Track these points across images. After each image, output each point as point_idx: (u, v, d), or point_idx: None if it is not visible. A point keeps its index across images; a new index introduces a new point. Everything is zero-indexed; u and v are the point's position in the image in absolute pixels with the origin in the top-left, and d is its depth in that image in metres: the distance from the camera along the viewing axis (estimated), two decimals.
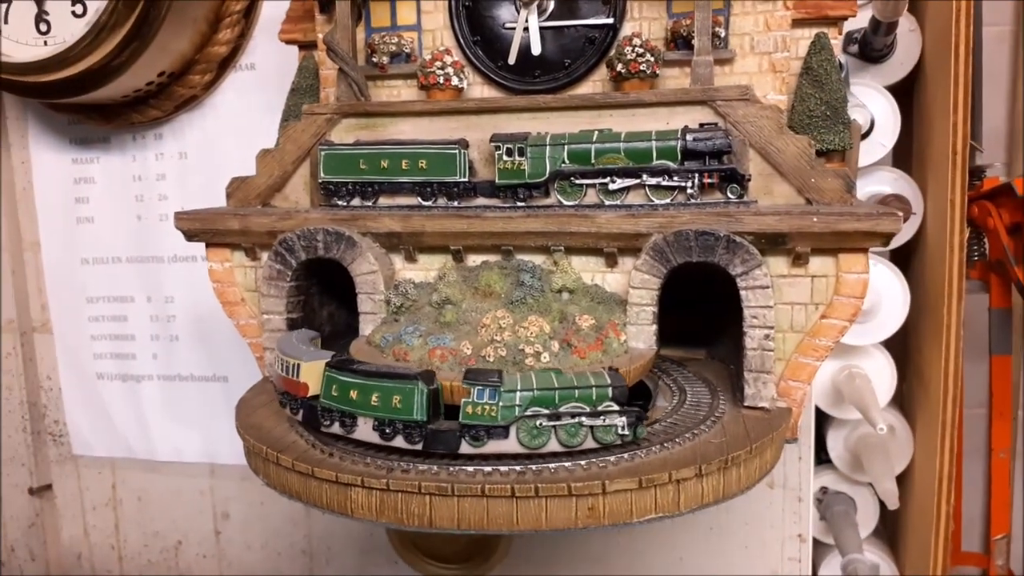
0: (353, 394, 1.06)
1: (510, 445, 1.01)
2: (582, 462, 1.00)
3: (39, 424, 2.39)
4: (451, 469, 1.00)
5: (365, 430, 1.05)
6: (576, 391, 1.02)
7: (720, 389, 1.26)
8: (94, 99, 1.93)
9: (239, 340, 1.97)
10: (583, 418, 1.02)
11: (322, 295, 1.45)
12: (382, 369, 1.07)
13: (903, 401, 1.99)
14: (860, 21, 1.71)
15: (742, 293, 1.14)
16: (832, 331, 1.17)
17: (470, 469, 0.99)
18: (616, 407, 1.03)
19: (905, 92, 1.88)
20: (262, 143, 1.47)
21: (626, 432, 1.03)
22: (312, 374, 1.12)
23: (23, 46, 1.85)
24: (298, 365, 1.13)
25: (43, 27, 1.84)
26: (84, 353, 2.29)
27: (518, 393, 1.01)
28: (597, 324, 1.17)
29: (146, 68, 1.85)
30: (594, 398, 1.02)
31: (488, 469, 0.99)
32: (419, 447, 1.03)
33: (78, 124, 2.15)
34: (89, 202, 2.19)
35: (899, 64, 1.84)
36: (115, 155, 2.15)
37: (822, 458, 1.95)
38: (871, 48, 1.78)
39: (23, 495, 2.42)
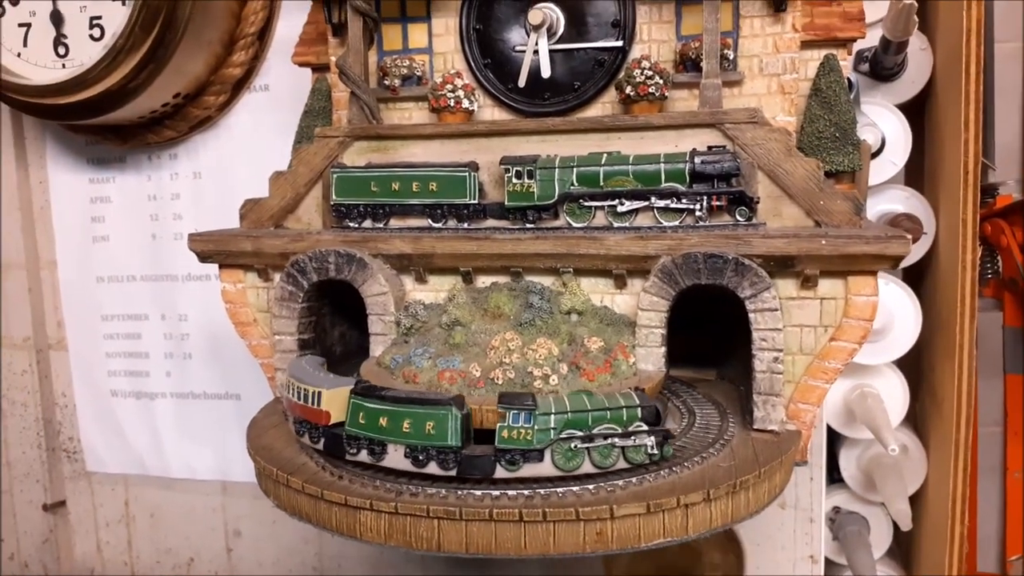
0: (383, 421, 1.04)
1: (545, 468, 1.02)
2: (590, 486, 1.00)
3: (54, 441, 2.41)
4: (459, 493, 1.00)
5: (396, 457, 1.04)
6: (608, 412, 1.03)
7: (730, 411, 1.26)
8: (111, 120, 1.96)
9: (252, 359, 1.98)
10: (615, 439, 1.03)
11: (334, 316, 1.46)
12: (412, 395, 1.06)
13: (916, 420, 1.97)
14: (871, 40, 1.71)
15: (751, 316, 1.14)
16: (842, 353, 1.17)
17: (478, 493, 1.00)
18: (645, 427, 1.04)
19: (917, 110, 1.87)
20: (275, 164, 1.48)
21: (655, 451, 1.04)
22: (335, 401, 1.10)
23: (42, 69, 1.88)
24: (319, 393, 1.11)
25: (61, 50, 1.87)
26: (99, 370, 2.31)
27: (553, 416, 1.01)
28: (606, 346, 1.17)
29: (162, 90, 1.87)
30: (625, 419, 1.03)
31: (496, 493, 1.00)
32: (453, 473, 1.02)
33: (95, 144, 2.18)
34: (105, 221, 2.22)
35: (910, 82, 1.83)
36: (131, 175, 2.18)
37: (835, 478, 1.94)
38: (882, 67, 1.77)
39: (37, 511, 2.44)
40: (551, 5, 1.36)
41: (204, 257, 1.42)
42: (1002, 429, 2.11)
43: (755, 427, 1.17)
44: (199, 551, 2.36)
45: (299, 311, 1.34)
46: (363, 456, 1.06)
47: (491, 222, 1.30)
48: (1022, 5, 2.11)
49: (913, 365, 1.92)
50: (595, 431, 1.02)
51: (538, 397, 1.04)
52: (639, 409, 1.04)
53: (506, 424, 1.01)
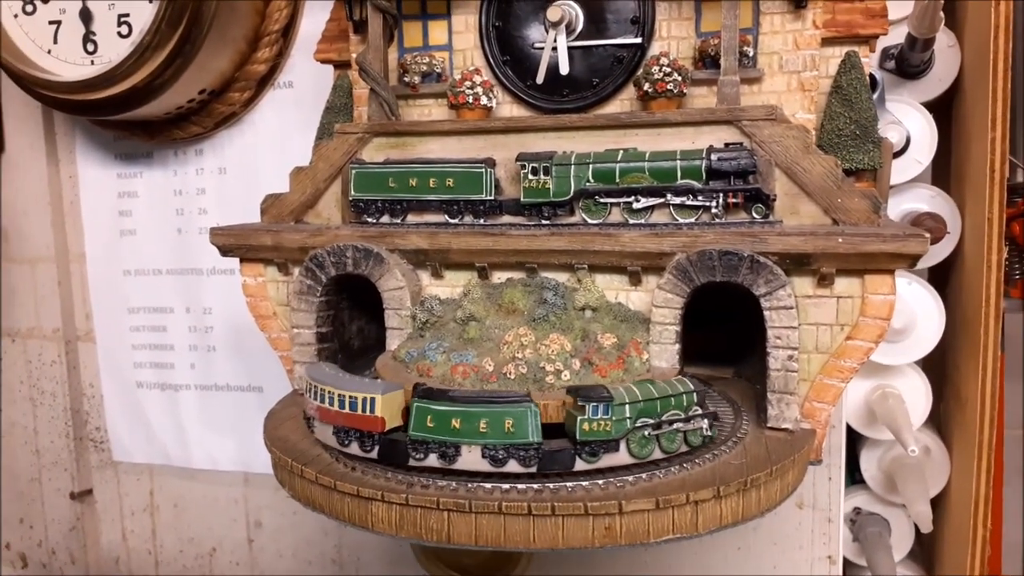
0: (455, 423, 1.03)
1: (621, 457, 1.04)
2: (600, 481, 1.01)
3: (81, 430, 2.46)
4: (469, 486, 1.01)
5: (471, 459, 1.03)
6: (672, 399, 1.06)
7: (744, 409, 1.26)
8: (138, 116, 1.99)
9: (274, 352, 2.00)
10: (679, 424, 1.07)
11: (352, 309, 1.48)
12: (485, 395, 1.06)
13: (940, 422, 1.95)
14: (898, 37, 1.69)
15: (766, 313, 1.14)
16: (858, 352, 1.16)
17: (488, 486, 1.00)
18: (700, 410, 1.08)
19: (944, 108, 1.85)
20: (299, 159, 1.50)
21: (709, 433, 1.09)
22: (390, 407, 1.08)
23: (71, 65, 1.92)
24: (373, 400, 1.07)
25: (90, 47, 1.91)
26: (125, 362, 2.35)
27: (628, 406, 1.03)
28: (619, 342, 1.17)
29: (188, 86, 1.90)
30: (685, 404, 1.07)
31: (506, 486, 1.00)
32: (534, 469, 1.02)
33: (123, 140, 2.22)
34: (132, 215, 2.26)
35: (937, 80, 1.81)
36: (157, 170, 2.21)
37: (856, 478, 1.92)
38: (908, 64, 1.76)
39: (65, 499, 2.49)
40: (570, 2, 1.36)
41: (225, 251, 1.44)
42: None
43: (769, 425, 1.17)
44: (221, 541, 2.39)
45: (317, 305, 1.36)
46: (432, 461, 1.04)
47: (507, 218, 1.31)
48: None
49: (937, 366, 1.90)
50: (663, 418, 1.05)
51: (610, 388, 1.05)
52: (694, 394, 1.08)
53: (586, 417, 1.02)
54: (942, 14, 1.53)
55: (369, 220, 1.37)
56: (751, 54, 1.32)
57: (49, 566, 2.56)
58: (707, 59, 1.33)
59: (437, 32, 1.46)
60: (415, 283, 1.33)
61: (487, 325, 1.22)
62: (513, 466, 1.02)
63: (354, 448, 1.09)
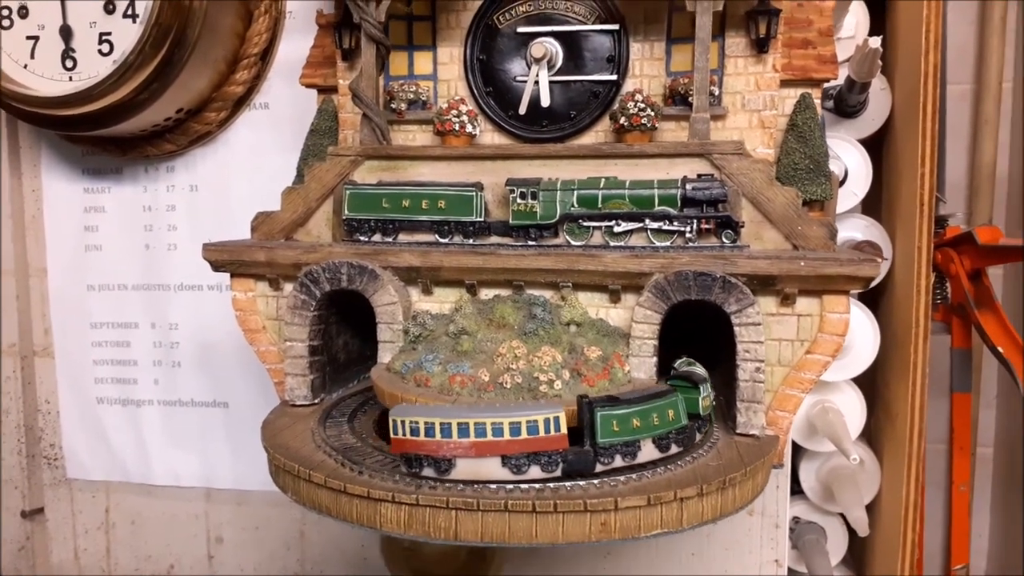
0: (636, 422, 1.12)
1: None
2: (595, 482, 1.09)
3: (34, 447, 2.41)
4: (475, 486, 1.08)
5: (648, 451, 1.14)
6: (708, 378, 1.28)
7: (713, 418, 1.36)
8: (112, 132, 2.00)
9: (241, 367, 2.04)
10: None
11: (339, 324, 1.53)
12: (647, 392, 1.17)
13: (871, 435, 2.09)
14: (836, 79, 1.84)
15: (736, 329, 1.24)
16: (816, 365, 1.28)
17: (493, 487, 1.08)
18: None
19: (876, 145, 2.00)
20: (272, 179, 1.54)
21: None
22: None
23: (48, 81, 1.93)
24: (558, 419, 1.09)
25: (69, 63, 1.92)
26: (85, 378, 2.32)
27: (707, 384, 1.25)
28: (603, 355, 1.27)
29: (166, 105, 1.93)
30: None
31: (510, 486, 1.08)
32: (682, 448, 1.17)
33: (92, 155, 2.22)
34: (99, 230, 2.25)
35: (871, 119, 1.96)
36: (127, 186, 2.21)
37: (794, 489, 2.03)
38: (846, 104, 1.91)
39: (15, 518, 2.43)
40: (552, 40, 1.47)
41: (217, 266, 1.48)
42: (947, 446, 2.22)
43: (738, 431, 1.27)
44: (180, 557, 2.37)
45: (311, 319, 1.41)
46: (617, 462, 1.11)
47: (495, 239, 1.39)
48: (973, 51, 2.28)
49: (870, 383, 2.03)
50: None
51: (692, 372, 1.25)
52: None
53: (703, 395, 1.23)
54: (880, 60, 1.69)
55: (361, 238, 1.43)
56: (717, 93, 1.44)
57: None
58: (676, 96, 1.45)
59: (422, 62, 1.55)
60: (407, 299, 1.40)
61: (479, 338, 1.30)
62: (674, 448, 1.15)
63: (534, 472, 1.09)
